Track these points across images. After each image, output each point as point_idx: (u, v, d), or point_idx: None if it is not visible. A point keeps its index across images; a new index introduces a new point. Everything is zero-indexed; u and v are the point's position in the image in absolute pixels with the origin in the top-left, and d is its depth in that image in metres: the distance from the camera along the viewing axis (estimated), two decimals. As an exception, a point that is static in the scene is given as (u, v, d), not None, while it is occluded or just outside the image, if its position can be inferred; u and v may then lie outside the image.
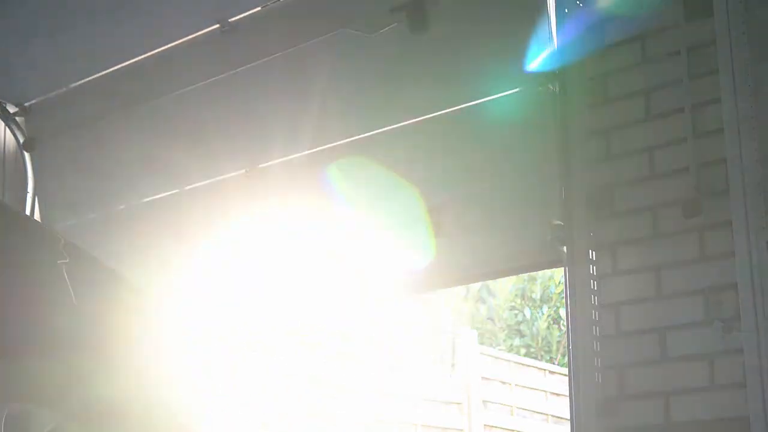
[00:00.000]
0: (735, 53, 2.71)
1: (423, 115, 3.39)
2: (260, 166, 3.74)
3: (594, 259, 2.88)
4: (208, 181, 3.89)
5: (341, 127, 3.56)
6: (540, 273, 12.22)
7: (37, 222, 2.98)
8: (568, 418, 2.90)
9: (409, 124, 3.43)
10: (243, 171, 3.79)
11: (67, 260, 2.38)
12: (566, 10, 3.02)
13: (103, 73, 4.05)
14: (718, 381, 2.59)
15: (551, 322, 11.72)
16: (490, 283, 12.07)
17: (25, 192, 4.36)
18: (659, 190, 2.80)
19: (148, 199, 4.07)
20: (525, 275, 12.13)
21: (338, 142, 3.56)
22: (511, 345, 11.36)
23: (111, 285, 2.47)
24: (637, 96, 2.90)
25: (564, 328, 10.52)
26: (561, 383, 9.55)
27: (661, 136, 2.83)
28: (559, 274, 11.88)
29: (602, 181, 2.91)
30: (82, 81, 4.13)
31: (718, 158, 2.69)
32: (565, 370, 5.54)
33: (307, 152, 3.63)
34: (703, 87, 2.77)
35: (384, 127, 3.45)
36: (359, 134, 3.51)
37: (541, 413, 9.58)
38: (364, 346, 10.44)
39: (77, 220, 4.17)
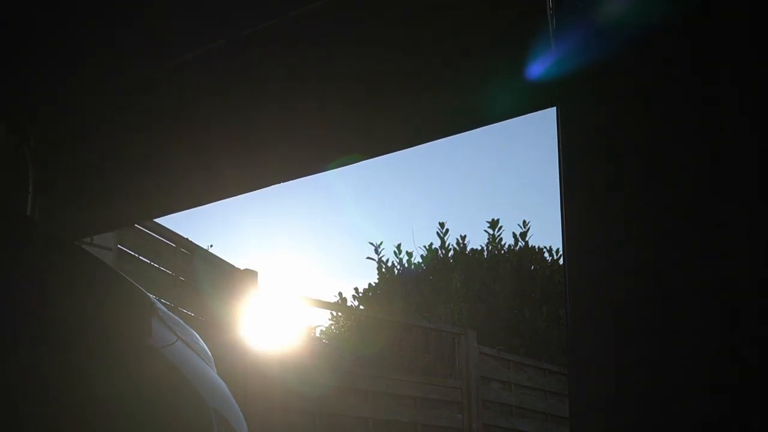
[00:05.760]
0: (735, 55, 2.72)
1: None
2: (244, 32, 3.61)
3: (593, 259, 2.88)
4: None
5: None
6: (539, 273, 12.24)
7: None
8: (568, 417, 2.91)
9: None
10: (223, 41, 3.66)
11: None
12: (566, 13, 3.02)
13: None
14: (718, 381, 2.59)
15: (550, 322, 11.73)
16: (490, 283, 12.08)
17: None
18: (659, 190, 2.81)
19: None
20: (525, 276, 12.15)
21: None
22: (511, 344, 11.37)
23: (112, 284, 2.48)
24: (638, 96, 2.91)
25: (563, 328, 10.52)
26: (560, 383, 9.58)
27: (661, 136, 2.84)
28: (558, 274, 11.90)
29: (602, 181, 2.91)
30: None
31: (718, 158, 2.70)
32: (565, 370, 5.55)
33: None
34: (702, 87, 2.78)
35: None
36: None
37: (541, 413, 9.61)
38: (364, 346, 10.46)
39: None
